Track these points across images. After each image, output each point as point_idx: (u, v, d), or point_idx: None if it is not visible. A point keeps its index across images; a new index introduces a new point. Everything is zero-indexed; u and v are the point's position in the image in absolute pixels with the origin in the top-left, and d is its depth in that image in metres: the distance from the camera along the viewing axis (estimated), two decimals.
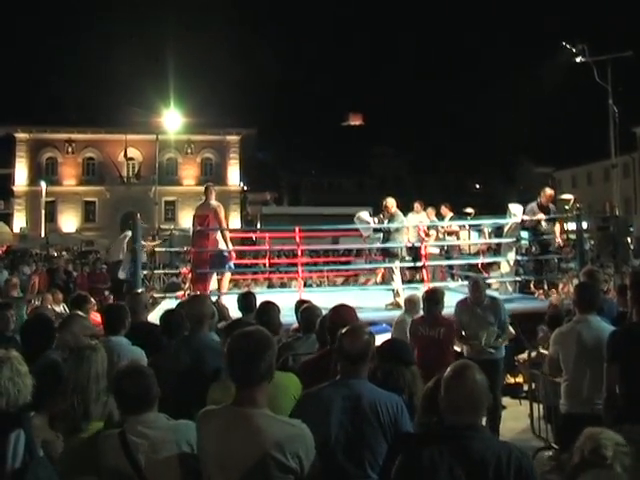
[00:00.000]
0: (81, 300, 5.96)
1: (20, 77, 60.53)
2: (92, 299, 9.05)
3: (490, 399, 2.60)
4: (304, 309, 5.15)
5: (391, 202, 9.82)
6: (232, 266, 9.96)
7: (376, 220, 10.07)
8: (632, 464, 2.94)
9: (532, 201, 10.94)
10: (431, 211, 12.60)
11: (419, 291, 8.18)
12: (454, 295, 10.30)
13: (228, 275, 9.89)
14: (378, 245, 10.41)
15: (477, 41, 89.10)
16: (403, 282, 12.40)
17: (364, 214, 10.28)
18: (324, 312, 4.71)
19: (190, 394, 3.60)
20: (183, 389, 3.61)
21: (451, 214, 12.68)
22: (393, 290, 9.70)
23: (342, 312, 4.18)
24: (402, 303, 9.36)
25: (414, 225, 11.87)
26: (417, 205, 12.42)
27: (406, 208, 12.53)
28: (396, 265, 9.82)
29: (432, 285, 9.47)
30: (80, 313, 4.89)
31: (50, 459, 3.16)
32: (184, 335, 4.55)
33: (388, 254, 9.91)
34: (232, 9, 75.03)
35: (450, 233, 12.69)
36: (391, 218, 9.74)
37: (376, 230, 10.15)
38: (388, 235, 9.81)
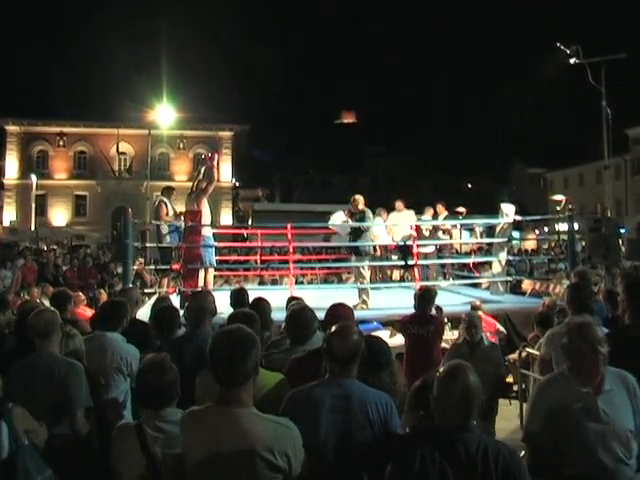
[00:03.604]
0: (64, 298, 5.72)
1: (11, 69, 60.15)
2: (81, 294, 9.05)
3: (483, 400, 2.59)
4: (291, 306, 5.14)
5: (360, 199, 9.80)
6: (213, 262, 9.90)
7: (348, 219, 9.98)
8: None
9: (523, 201, 10.98)
10: (429, 210, 12.58)
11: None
12: (446, 295, 10.34)
13: (211, 271, 9.86)
14: (348, 243, 10.32)
15: (471, 43, 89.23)
16: (393, 281, 12.43)
17: (337, 217, 10.21)
18: (314, 309, 4.70)
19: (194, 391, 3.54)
20: (187, 386, 3.54)
21: (446, 213, 12.69)
22: (362, 290, 9.60)
23: (339, 311, 4.16)
24: (369, 302, 9.36)
25: (399, 224, 11.86)
26: (399, 204, 12.35)
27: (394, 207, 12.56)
28: (365, 264, 9.77)
29: (423, 284, 9.45)
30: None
31: (36, 447, 3.18)
32: (186, 331, 4.54)
33: (356, 252, 9.88)
34: (228, 5, 74.73)
35: (444, 232, 12.68)
36: (360, 216, 9.70)
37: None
38: (357, 233, 9.75)
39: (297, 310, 4.37)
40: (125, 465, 2.96)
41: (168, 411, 3.03)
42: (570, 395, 3.05)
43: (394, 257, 12.40)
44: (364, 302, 9.32)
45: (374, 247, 10.91)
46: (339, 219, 10.01)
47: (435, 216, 12.52)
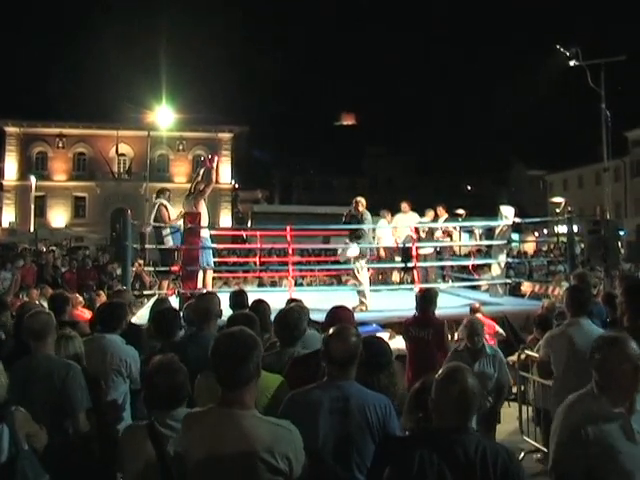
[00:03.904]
0: (62, 300, 5.66)
1: (11, 70, 60.17)
2: (78, 295, 9.04)
3: (481, 402, 2.59)
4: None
5: (361, 201, 9.70)
6: (211, 263, 9.88)
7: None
8: None
9: (523, 203, 11.01)
10: (430, 212, 12.60)
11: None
12: (445, 297, 10.34)
13: (210, 272, 9.86)
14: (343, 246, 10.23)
15: (471, 44, 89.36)
16: (392, 283, 12.40)
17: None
18: (312, 311, 4.70)
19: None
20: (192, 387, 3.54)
21: (446, 215, 12.71)
22: (358, 292, 9.53)
23: (340, 314, 4.16)
24: (368, 304, 9.33)
25: (403, 226, 11.88)
26: (404, 205, 12.40)
27: (398, 209, 12.58)
28: (362, 265, 9.73)
29: (423, 286, 9.44)
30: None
31: (35, 452, 3.17)
32: (192, 331, 4.55)
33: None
34: (226, 7, 74.87)
35: (445, 233, 12.70)
36: (360, 218, 9.61)
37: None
38: (356, 235, 9.58)
39: (283, 311, 4.35)
40: (136, 464, 2.96)
41: (179, 411, 3.03)
42: (601, 416, 2.76)
43: (397, 258, 12.41)
44: (362, 303, 9.30)
45: (377, 249, 10.89)
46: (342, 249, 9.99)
47: (436, 218, 12.53)
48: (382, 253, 12.22)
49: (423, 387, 2.91)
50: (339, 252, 10.29)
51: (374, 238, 11.18)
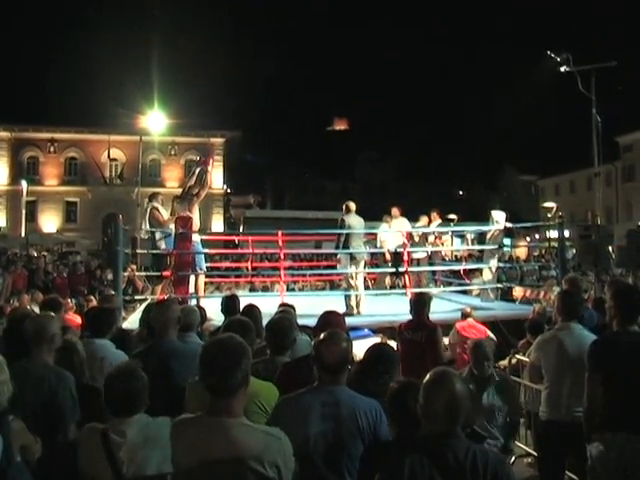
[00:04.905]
0: (54, 305, 5.60)
1: (2, 75, 59.99)
2: (69, 300, 9.00)
3: (471, 407, 2.59)
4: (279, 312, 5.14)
5: (350, 205, 9.64)
6: (203, 267, 9.84)
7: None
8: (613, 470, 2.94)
9: (515, 208, 11.06)
10: (424, 218, 12.62)
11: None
12: (436, 302, 10.36)
13: (202, 277, 9.82)
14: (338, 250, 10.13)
15: (462, 50, 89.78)
16: (385, 288, 12.41)
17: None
18: (304, 316, 4.69)
19: (157, 402, 3.44)
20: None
21: (439, 221, 12.73)
22: (348, 296, 9.46)
23: (331, 319, 4.16)
24: (362, 309, 9.31)
25: (394, 231, 11.91)
26: (395, 210, 12.39)
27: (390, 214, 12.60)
28: (357, 270, 9.66)
29: (415, 291, 9.45)
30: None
31: (27, 464, 3.14)
32: (150, 342, 4.49)
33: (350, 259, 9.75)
34: (218, 11, 74.94)
35: (436, 238, 12.73)
36: (340, 224, 9.51)
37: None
38: (345, 240, 9.47)
39: (274, 320, 4.36)
40: (89, 468, 2.99)
41: (135, 418, 3.03)
42: None
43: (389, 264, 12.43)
44: (350, 307, 9.25)
45: (383, 253, 10.86)
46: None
47: (429, 224, 12.57)
48: (388, 257, 12.21)
49: (400, 388, 2.93)
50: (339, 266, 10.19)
51: (368, 242, 11.18)
